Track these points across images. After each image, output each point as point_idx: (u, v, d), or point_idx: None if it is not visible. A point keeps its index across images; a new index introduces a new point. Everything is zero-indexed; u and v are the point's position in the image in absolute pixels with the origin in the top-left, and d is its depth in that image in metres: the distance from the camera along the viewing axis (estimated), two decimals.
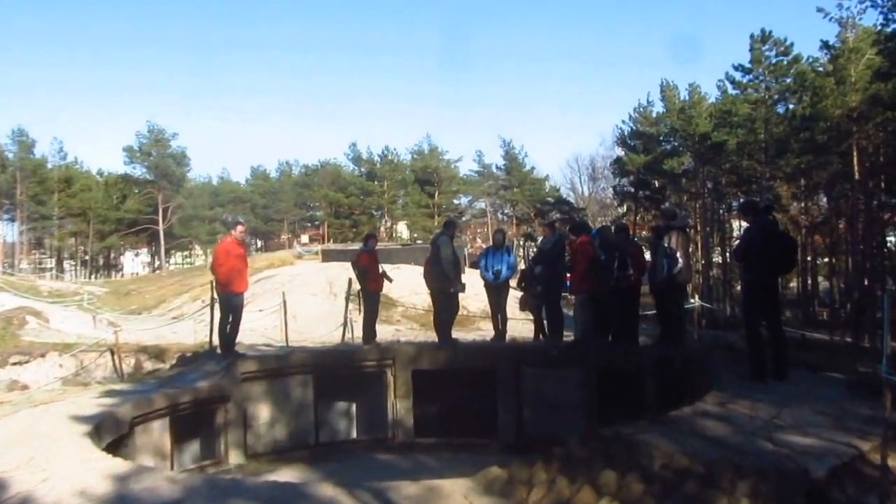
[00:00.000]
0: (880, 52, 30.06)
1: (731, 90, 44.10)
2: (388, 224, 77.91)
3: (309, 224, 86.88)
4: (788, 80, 40.33)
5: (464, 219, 76.83)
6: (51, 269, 74.67)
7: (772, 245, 8.65)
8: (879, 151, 33.91)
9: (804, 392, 8.08)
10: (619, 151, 61.25)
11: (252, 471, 10.09)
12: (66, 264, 76.18)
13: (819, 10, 33.14)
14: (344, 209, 76.05)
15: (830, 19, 34.02)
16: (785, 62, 40.86)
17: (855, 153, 33.69)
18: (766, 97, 41.21)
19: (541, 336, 13.54)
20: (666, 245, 10.82)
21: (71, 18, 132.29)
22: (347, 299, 16.79)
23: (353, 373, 12.35)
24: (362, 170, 79.37)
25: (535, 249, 14.78)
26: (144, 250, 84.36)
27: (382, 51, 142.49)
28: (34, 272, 67.60)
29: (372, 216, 76.96)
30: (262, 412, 11.36)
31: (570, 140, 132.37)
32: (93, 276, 72.80)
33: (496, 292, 13.32)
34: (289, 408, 11.60)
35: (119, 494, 5.41)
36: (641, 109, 58.00)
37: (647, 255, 13.60)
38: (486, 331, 19.29)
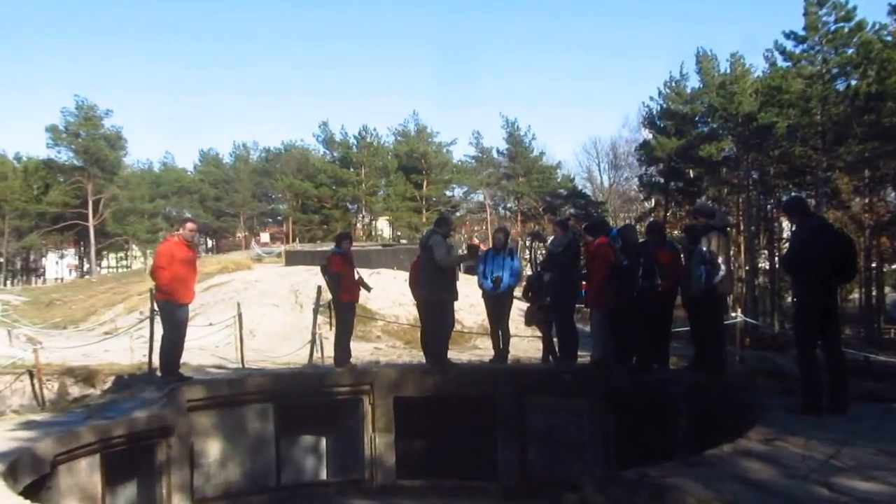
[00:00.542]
0: None
1: (781, 62, 44.41)
2: (367, 220, 78.24)
3: (270, 220, 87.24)
4: (850, 52, 40.51)
5: (458, 214, 76.90)
6: None
7: (827, 250, 8.61)
8: None
9: (868, 428, 8.05)
10: (647, 134, 61.56)
11: None
12: None
13: None
14: (312, 202, 76.32)
15: None
16: (846, 29, 41.06)
17: None
18: (823, 71, 41.43)
19: (550, 358, 13.54)
20: (704, 249, 10.80)
21: None
22: (316, 312, 16.77)
23: (323, 401, 12.34)
24: (335, 154, 79.78)
25: (543, 252, 14.83)
26: (71, 251, 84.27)
27: (359, 12, 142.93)
28: None
29: (346, 211, 77.33)
30: (213, 448, 11.32)
31: (586, 120, 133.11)
32: (8, 283, 72.50)
33: (496, 304, 13.25)
34: (245, 443, 11.56)
35: None
36: (673, 84, 58.24)
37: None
38: (484, 350, 19.70)
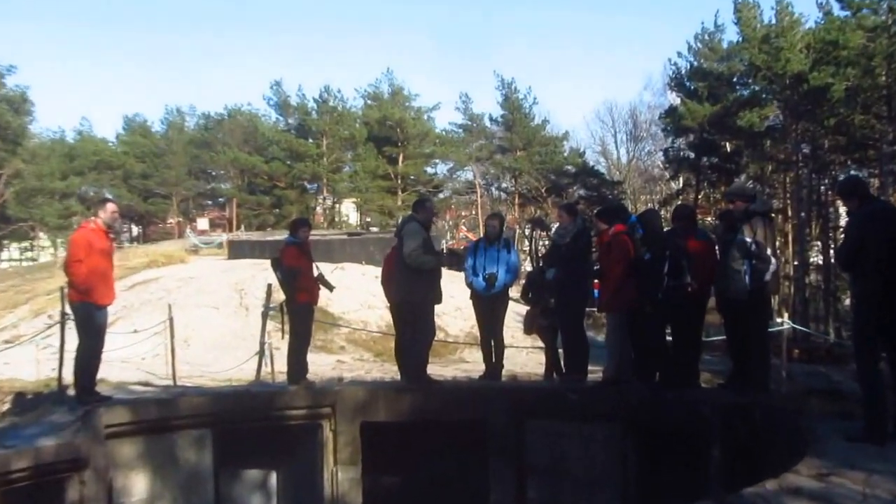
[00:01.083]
0: None
1: (837, 11, 44.39)
2: (329, 203, 77.81)
3: (210, 203, 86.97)
4: None
5: (441, 196, 77.00)
6: None
7: (891, 243, 8.59)
8: None
9: None
10: (673, 99, 61.61)
11: None
12: None
13: None
14: (262, 180, 75.99)
15: None
16: None
17: None
18: (890, 22, 41.48)
19: (555, 374, 13.61)
20: (748, 240, 10.85)
21: None
22: (266, 316, 16.82)
23: (273, 426, 12.34)
24: (290, 121, 79.51)
25: (547, 244, 14.93)
26: None
27: None
28: None
29: (304, 191, 77.20)
30: (137, 484, 11.28)
31: (600, 81, 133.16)
32: None
33: (489, 307, 13.34)
34: (177, 478, 11.54)
35: None
36: (706, 38, 58.24)
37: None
38: (472, 364, 19.58)
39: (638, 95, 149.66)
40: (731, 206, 11.63)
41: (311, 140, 75.41)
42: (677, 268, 11.40)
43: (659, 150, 69.39)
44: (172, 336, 17.03)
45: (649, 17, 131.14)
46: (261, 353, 16.61)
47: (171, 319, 17.07)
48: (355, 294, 27.61)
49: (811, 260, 52.53)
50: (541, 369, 14.81)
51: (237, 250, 43.19)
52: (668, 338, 12.24)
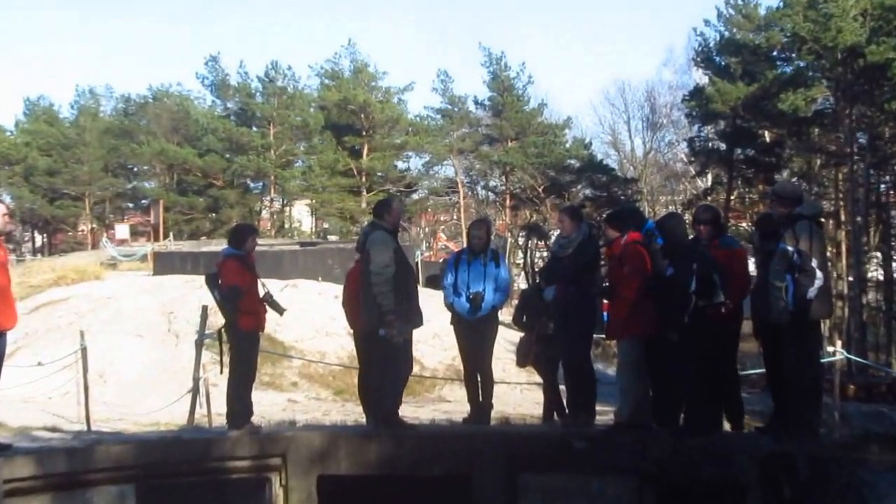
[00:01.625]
0: None
1: None
2: (277, 206, 77.58)
3: (131, 205, 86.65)
4: None
5: (415, 197, 77.45)
6: None
7: None
8: None
9: None
10: (700, 77, 62.23)
11: None
12: None
13: None
14: (195, 178, 75.88)
15: None
16: None
17: None
18: None
19: (556, 416, 13.60)
20: (790, 248, 10.83)
21: None
22: (200, 345, 16.74)
23: (210, 481, 12.21)
24: (229, 105, 79.61)
25: (545, 256, 14.98)
26: None
27: None
28: None
29: (247, 191, 77.31)
30: None
31: (609, 56, 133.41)
32: None
33: (474, 334, 13.32)
34: None
35: None
36: (740, 3, 58.45)
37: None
38: (455, 404, 19.57)
39: (656, 73, 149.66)
40: (773, 209, 11.65)
41: (255, 128, 75.73)
42: (707, 284, 11.24)
43: (682, 140, 69.78)
44: (86, 370, 16.90)
45: None
46: (194, 391, 16.52)
47: (83, 350, 16.97)
48: (310, 318, 27.55)
49: (869, 275, 52.33)
50: (538, 410, 14.98)
51: (165, 264, 42.90)
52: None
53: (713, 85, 56.49)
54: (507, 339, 14.14)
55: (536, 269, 15.60)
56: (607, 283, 12.52)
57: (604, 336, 14.36)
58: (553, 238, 14.24)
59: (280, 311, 13.51)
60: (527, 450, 12.23)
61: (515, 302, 14.72)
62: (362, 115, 73.72)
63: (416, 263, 37.92)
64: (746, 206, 56.61)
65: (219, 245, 31.61)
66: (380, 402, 12.76)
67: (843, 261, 48.59)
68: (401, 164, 78.61)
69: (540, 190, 68.08)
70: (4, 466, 10.95)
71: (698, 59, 61.21)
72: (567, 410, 13.21)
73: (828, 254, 14.05)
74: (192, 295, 28.30)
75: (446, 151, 76.29)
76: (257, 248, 14.13)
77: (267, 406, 18.58)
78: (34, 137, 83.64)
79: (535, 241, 54.19)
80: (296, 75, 78.34)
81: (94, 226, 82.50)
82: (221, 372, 13.77)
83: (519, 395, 16.52)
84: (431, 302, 15.79)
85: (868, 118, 47.55)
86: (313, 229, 76.55)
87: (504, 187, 74.56)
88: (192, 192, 76.76)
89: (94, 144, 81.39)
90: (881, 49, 43.03)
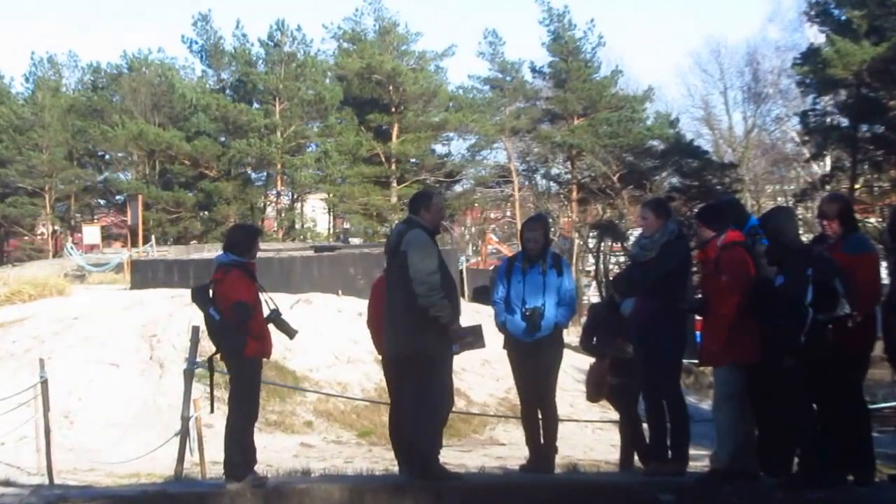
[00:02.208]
0: None
1: None
2: (286, 201, 75.97)
3: (102, 202, 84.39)
4: None
5: (458, 189, 75.76)
6: None
7: None
8: None
9: None
10: (815, 36, 59.97)
11: None
12: None
13: None
14: (182, 167, 73.51)
15: None
16: None
17: None
18: None
19: (636, 461, 13.02)
20: None
21: None
22: (191, 376, 15.93)
23: None
24: (223, 76, 77.08)
25: (622, 261, 13.54)
26: None
27: None
28: None
29: (247, 183, 74.35)
30: None
31: (699, 12, 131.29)
32: None
33: (532, 361, 12.30)
34: None
35: None
36: None
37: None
38: (510, 447, 19.55)
39: (760, 32, 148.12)
40: None
41: (256, 105, 72.96)
42: (828, 295, 10.00)
43: (793, 114, 66.49)
44: (47, 408, 16.48)
45: None
46: (183, 434, 15.46)
47: (44, 382, 16.44)
48: (327, 341, 26.52)
49: None
50: (614, 455, 14.31)
51: (145, 276, 41.32)
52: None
53: (831, 45, 53.94)
54: (574, 367, 13.84)
55: (611, 278, 14.15)
56: (700, 296, 11.66)
57: (696, 362, 14.40)
58: (632, 239, 12.35)
59: (290, 333, 12.33)
60: None
61: (584, 319, 14.48)
62: (390, 88, 70.41)
63: (460, 272, 38.47)
64: (875, 197, 55.81)
65: (212, 251, 30.39)
66: (416, 445, 11.65)
67: None
68: (440, 149, 76.96)
69: (614, 179, 66.27)
70: None
71: (812, 13, 58.38)
72: (650, 455, 12.29)
73: None
74: (179, 314, 27.16)
75: (496, 132, 73.23)
76: (260, 254, 13.71)
77: (274, 452, 18.19)
78: None
79: (609, 243, 53.38)
80: (307, 38, 74.47)
81: (57, 228, 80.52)
82: (212, 411, 13.18)
83: (591, 435, 17.22)
84: (479, 320, 14.60)
85: None
86: (331, 230, 75.34)
87: (569, 176, 72.66)
88: (179, 185, 74.23)
89: (54, 126, 77.65)
90: None
